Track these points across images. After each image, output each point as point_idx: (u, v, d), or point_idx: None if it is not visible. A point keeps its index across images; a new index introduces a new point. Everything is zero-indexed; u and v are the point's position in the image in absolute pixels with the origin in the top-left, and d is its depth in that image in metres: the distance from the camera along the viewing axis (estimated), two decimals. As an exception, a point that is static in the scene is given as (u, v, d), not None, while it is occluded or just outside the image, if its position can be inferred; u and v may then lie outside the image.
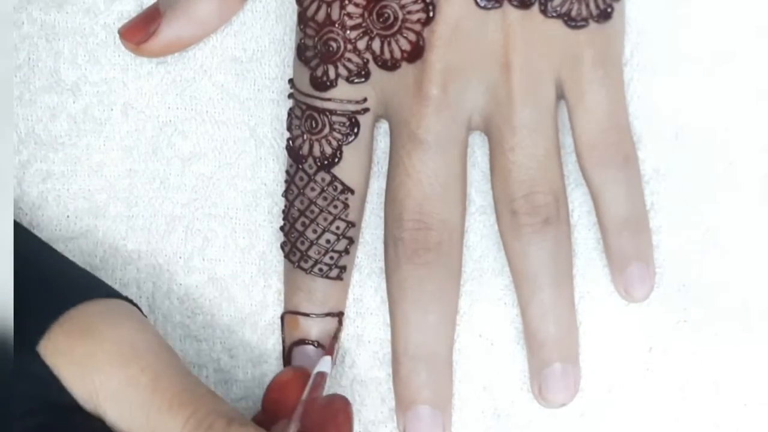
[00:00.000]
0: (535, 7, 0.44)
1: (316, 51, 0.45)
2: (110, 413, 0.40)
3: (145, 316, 0.44)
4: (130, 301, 0.43)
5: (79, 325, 0.41)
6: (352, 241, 0.46)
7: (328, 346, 0.46)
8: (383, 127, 0.47)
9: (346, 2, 0.44)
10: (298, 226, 0.46)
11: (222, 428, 0.39)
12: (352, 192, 0.46)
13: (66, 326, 0.40)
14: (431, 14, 0.44)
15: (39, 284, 0.41)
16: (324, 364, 0.44)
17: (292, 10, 0.48)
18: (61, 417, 0.40)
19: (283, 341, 0.47)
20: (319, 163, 0.46)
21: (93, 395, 0.40)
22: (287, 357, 0.47)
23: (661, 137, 0.48)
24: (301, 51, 0.46)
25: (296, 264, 0.46)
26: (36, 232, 0.47)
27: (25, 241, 0.43)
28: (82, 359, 0.40)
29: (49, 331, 0.40)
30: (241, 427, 0.39)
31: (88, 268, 0.47)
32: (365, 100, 0.46)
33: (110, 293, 0.43)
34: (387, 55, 0.45)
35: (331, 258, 0.46)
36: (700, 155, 0.47)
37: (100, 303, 0.42)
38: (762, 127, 0.47)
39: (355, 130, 0.46)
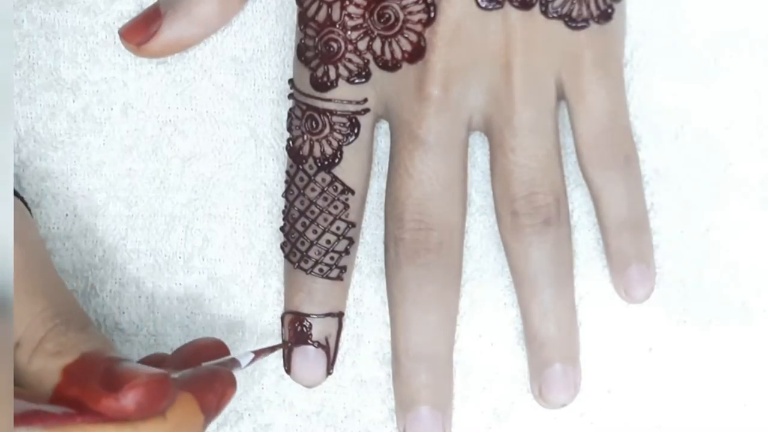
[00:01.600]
0: (536, 8, 0.44)
1: (317, 51, 0.45)
2: None
3: (29, 210, 0.44)
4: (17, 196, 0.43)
5: None
6: (352, 241, 0.46)
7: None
8: (383, 127, 0.47)
9: (347, 3, 0.44)
10: (299, 226, 0.46)
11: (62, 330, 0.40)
12: (353, 192, 0.46)
13: None
14: (432, 15, 0.44)
15: None
16: (245, 357, 0.44)
17: (292, 10, 0.48)
18: None
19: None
20: (319, 164, 0.46)
21: None
22: (287, 357, 0.47)
23: (661, 137, 0.48)
24: (301, 51, 0.46)
25: (296, 264, 0.46)
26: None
27: None
28: None
29: None
30: (80, 333, 0.40)
31: (87, 268, 0.48)
32: (366, 100, 0.46)
33: None
34: (388, 56, 0.45)
35: (332, 258, 0.46)
36: (700, 155, 0.48)
37: None
38: (762, 127, 0.47)
39: (356, 131, 0.46)
